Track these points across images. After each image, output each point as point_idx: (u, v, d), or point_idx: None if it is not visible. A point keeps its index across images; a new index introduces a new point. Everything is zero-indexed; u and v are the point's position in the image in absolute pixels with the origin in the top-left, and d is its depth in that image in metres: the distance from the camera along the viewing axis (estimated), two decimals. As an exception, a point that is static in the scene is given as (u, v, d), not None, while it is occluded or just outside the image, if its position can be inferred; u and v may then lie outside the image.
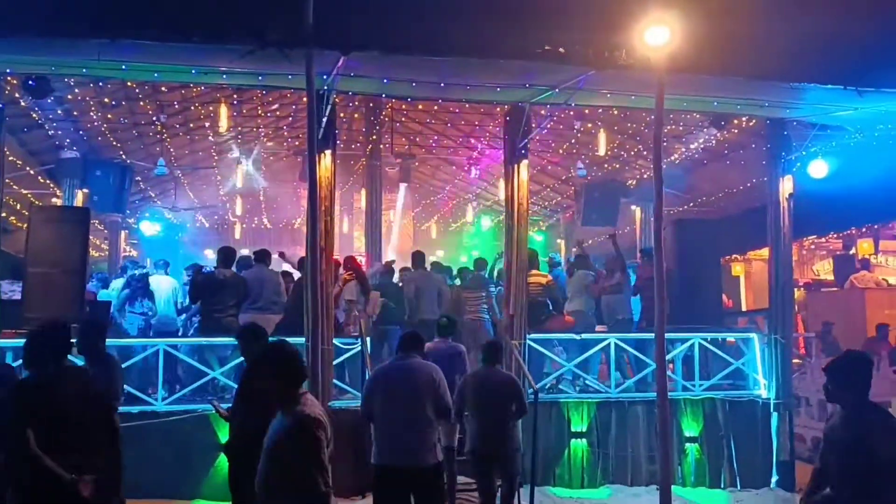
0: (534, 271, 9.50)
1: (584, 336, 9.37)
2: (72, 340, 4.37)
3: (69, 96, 9.75)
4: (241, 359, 5.82)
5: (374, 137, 12.75)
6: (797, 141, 9.55)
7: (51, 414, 3.89)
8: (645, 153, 12.78)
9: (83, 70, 7.74)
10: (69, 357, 4.25)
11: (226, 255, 9.00)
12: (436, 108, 12.44)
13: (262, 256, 9.43)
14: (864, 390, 3.97)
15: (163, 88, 10.09)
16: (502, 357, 6.88)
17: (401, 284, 10.10)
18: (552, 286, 9.58)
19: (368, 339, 8.46)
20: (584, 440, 8.97)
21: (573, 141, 12.96)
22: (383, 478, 5.39)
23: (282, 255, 10.17)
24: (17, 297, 8.16)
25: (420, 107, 12.63)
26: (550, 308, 9.70)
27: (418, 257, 10.41)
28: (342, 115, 12.36)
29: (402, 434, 5.46)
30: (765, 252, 10.75)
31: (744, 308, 15.04)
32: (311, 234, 6.20)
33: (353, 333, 8.90)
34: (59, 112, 10.32)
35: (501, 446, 6.33)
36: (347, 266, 9.18)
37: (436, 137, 14.53)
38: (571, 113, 11.11)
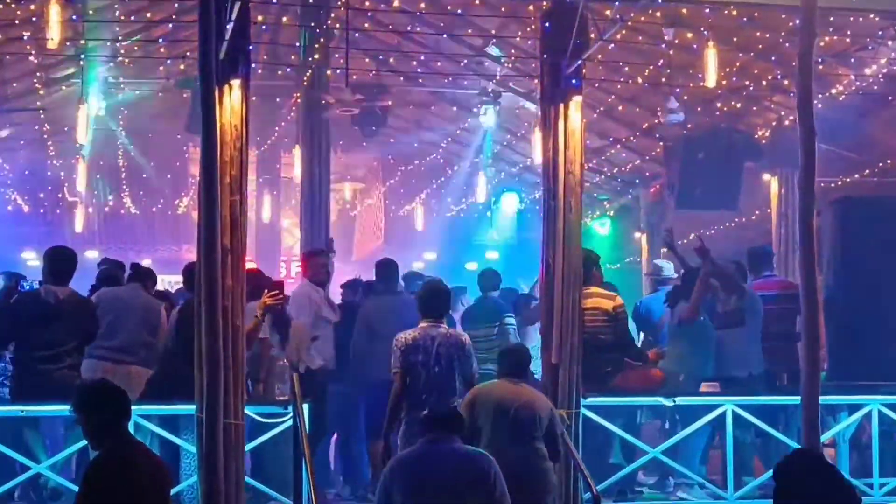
0: (592, 288, 9.53)
1: (678, 401, 9.38)
2: None
3: None
4: (84, 443, 5.81)
5: (317, 57, 12.76)
6: None
7: None
8: (786, 83, 12.79)
9: None
10: None
11: (59, 261, 8.97)
12: (422, 5, 12.45)
13: (138, 274, 9.56)
14: None
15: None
16: (529, 370, 7.75)
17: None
18: (621, 315, 9.59)
19: (306, 406, 8.47)
20: (682, 580, 9.07)
21: (661, 63, 12.97)
22: None
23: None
24: None
25: (396, 3, 12.62)
26: (622, 352, 9.70)
27: (385, 271, 10.39)
28: (261, 19, 12.35)
29: None
30: None
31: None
32: (207, 226, 6.21)
33: (279, 397, 8.89)
34: None
35: (529, 495, 6.91)
36: (255, 282, 9.16)
37: (422, 57, 14.55)
38: (658, 14, 11.09)
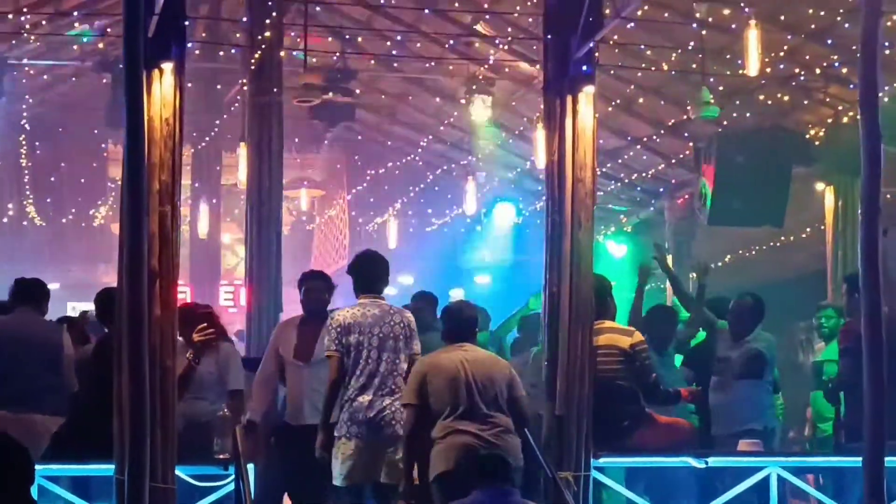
0: (606, 322, 9.55)
1: (711, 461, 9.42)
2: None
3: None
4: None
5: (268, 35, 12.78)
6: None
7: None
8: (844, 72, 12.85)
9: None
10: None
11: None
12: (399, -27, 12.49)
13: (28, 293, 9.43)
14: None
15: None
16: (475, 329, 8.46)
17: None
18: (642, 354, 9.59)
19: (251, 465, 8.46)
20: None
21: (691, 47, 13.02)
22: None
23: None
24: None
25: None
26: (641, 402, 9.72)
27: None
28: (199, -14, 12.39)
29: None
30: None
31: None
32: (131, 244, 6.19)
33: (219, 455, 8.89)
34: None
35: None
36: (193, 317, 9.16)
37: (398, 38, 14.57)
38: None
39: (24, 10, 13.12)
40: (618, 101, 15.07)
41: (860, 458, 6.57)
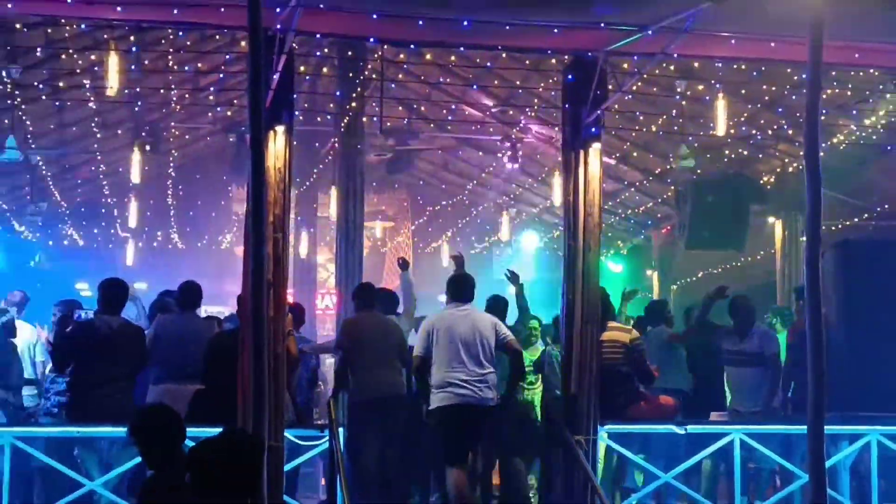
0: (611, 323, 9.54)
1: (690, 428, 9.36)
2: None
3: None
4: (138, 459, 5.84)
5: (354, 105, 12.86)
6: None
7: None
8: (791, 133, 12.79)
9: None
10: None
11: (110, 292, 8.98)
12: (453, 59, 12.52)
13: (190, 298, 9.48)
14: None
15: (17, 25, 10.22)
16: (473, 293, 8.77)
17: None
18: (640, 347, 9.58)
19: (340, 429, 8.49)
20: None
21: (675, 113, 13.00)
22: None
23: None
24: None
25: (428, 57, 12.71)
26: (636, 382, 9.69)
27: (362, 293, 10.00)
28: (303, 70, 12.46)
29: None
30: None
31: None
32: (255, 261, 6.23)
33: (317, 422, 8.93)
34: None
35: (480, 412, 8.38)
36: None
37: (452, 107, 14.63)
38: (672, 68, 11.14)
39: (172, 87, 13.24)
40: (617, 155, 15.06)
41: (805, 426, 6.52)
